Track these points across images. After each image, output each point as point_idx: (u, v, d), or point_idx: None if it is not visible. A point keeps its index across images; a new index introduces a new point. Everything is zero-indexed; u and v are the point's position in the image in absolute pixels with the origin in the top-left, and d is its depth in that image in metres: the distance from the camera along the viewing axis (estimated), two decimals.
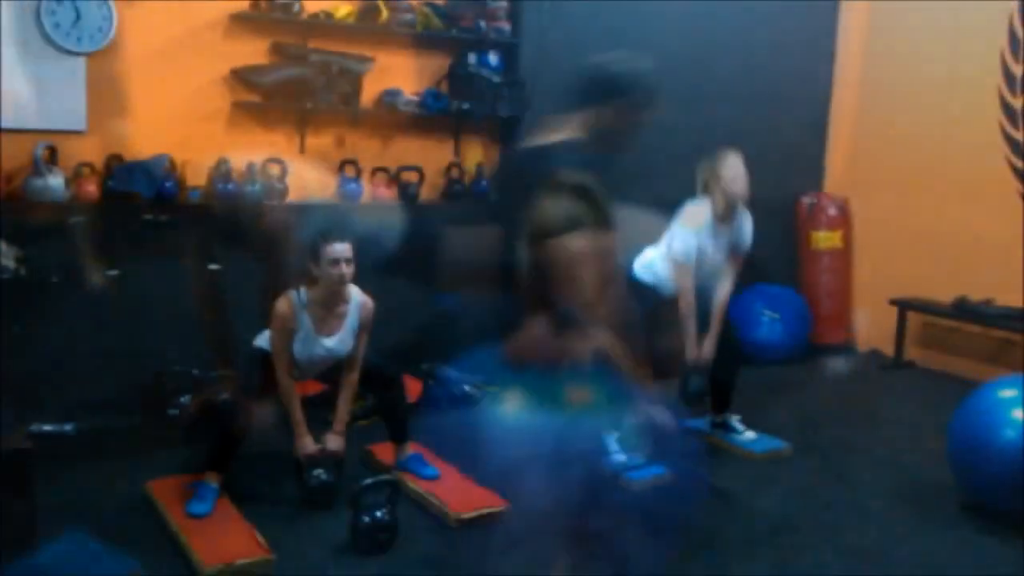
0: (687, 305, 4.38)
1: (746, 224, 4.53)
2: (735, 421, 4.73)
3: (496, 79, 5.41)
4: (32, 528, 2.86)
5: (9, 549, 2.81)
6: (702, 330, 4.45)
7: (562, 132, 2.99)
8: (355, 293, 3.85)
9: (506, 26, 5.47)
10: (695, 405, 4.52)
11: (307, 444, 3.77)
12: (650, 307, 4.38)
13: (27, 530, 2.85)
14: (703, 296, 4.46)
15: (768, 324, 6.24)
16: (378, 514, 3.42)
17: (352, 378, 3.91)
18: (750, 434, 4.71)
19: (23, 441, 2.91)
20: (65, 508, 3.60)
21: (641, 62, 3.07)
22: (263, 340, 3.84)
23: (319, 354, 3.82)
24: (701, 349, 4.42)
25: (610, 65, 3.07)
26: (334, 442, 3.83)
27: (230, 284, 4.57)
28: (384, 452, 4.16)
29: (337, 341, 3.82)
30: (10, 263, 4.21)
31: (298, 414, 3.78)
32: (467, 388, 5.21)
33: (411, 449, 4.10)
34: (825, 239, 6.67)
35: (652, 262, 4.48)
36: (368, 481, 3.51)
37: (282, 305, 3.72)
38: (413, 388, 5.08)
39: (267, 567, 3.25)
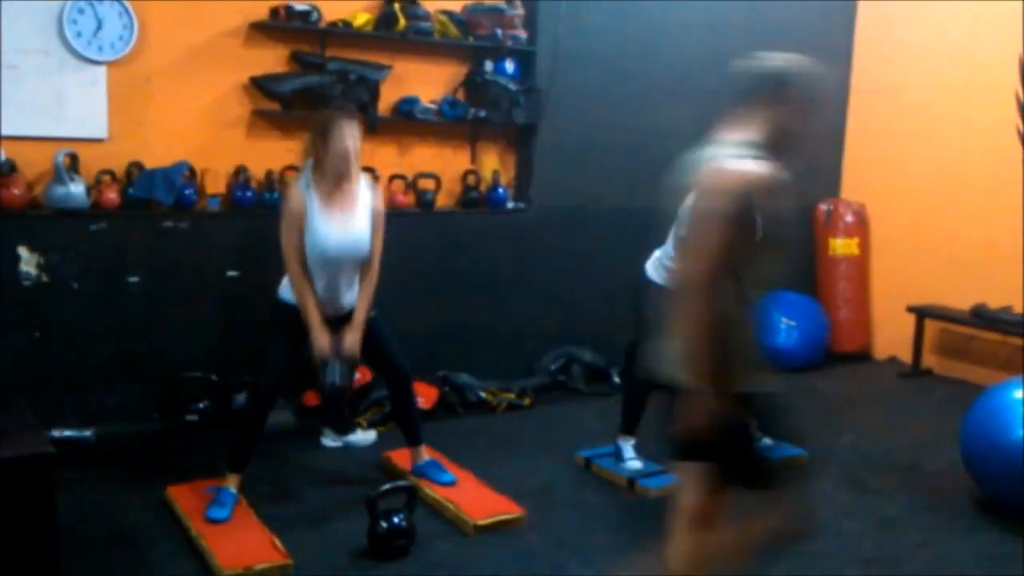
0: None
1: None
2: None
3: (513, 86, 5.43)
4: (53, 533, 2.88)
5: (31, 554, 2.84)
6: None
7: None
8: (364, 178, 3.85)
9: (522, 34, 5.48)
10: None
11: (322, 341, 3.74)
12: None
13: (48, 535, 2.87)
14: None
15: (785, 331, 6.23)
16: (395, 520, 3.44)
17: (371, 278, 3.85)
18: (767, 441, 4.69)
19: (44, 446, 2.93)
20: (85, 513, 3.64)
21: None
22: (285, 290, 3.80)
23: (332, 245, 3.71)
24: None
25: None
26: (349, 341, 3.79)
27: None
28: (401, 458, 4.18)
29: (351, 228, 3.74)
30: (32, 270, 4.26)
31: (311, 308, 3.71)
32: (482, 394, 5.24)
33: (428, 455, 4.12)
34: (842, 246, 6.66)
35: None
36: (385, 487, 3.53)
37: (290, 188, 3.73)
38: (428, 394, 5.11)
39: (285, 572, 3.27)
